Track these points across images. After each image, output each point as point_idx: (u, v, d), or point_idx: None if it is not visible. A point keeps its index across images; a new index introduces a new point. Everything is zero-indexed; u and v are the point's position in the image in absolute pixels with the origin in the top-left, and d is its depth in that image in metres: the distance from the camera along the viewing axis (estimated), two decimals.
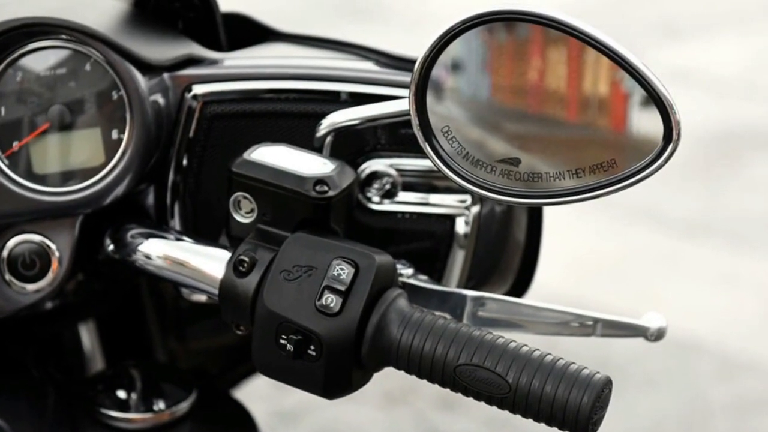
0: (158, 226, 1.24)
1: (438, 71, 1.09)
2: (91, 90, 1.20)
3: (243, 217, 1.17)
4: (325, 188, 1.14)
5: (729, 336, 3.24)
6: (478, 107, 1.10)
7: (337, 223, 1.16)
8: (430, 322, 1.08)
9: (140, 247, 1.21)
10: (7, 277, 1.21)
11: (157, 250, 1.20)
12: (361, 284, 1.08)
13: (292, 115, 1.24)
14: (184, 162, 1.25)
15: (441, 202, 1.26)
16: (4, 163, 1.20)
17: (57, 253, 1.21)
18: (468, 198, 1.26)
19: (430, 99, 1.10)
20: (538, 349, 1.06)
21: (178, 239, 1.21)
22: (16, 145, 1.20)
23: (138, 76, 1.19)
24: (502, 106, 1.09)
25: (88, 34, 1.18)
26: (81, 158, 1.20)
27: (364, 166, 1.25)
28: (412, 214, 1.27)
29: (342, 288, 1.08)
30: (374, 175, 1.26)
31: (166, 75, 1.23)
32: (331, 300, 1.08)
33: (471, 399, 1.08)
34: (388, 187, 1.26)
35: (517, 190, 1.09)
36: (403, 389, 2.96)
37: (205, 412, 1.33)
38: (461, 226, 1.27)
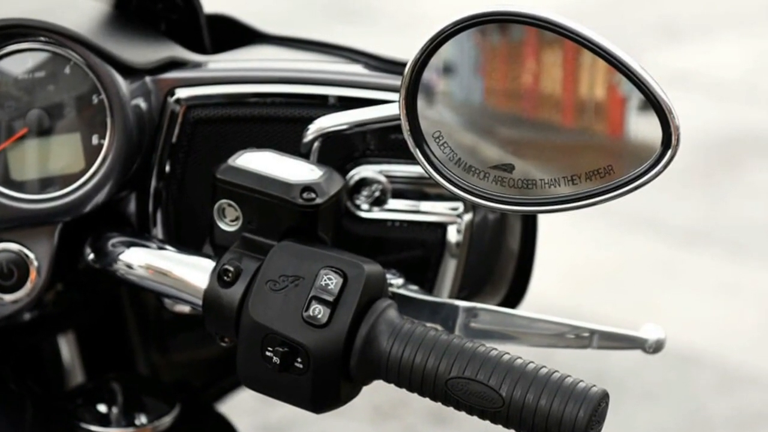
0: (140, 235, 1.23)
1: (429, 74, 1.08)
2: (71, 94, 1.19)
3: (227, 225, 1.16)
4: (313, 195, 1.13)
5: (729, 348, 3.24)
6: (471, 112, 1.09)
7: (324, 232, 1.15)
8: (420, 333, 1.07)
9: (121, 256, 1.20)
10: None
11: (139, 259, 1.19)
12: (349, 294, 1.07)
13: (279, 119, 1.23)
14: (167, 168, 1.24)
15: (432, 210, 1.25)
16: None
17: (35, 263, 1.20)
18: (460, 205, 1.25)
19: (420, 103, 1.09)
20: (532, 362, 1.04)
21: (160, 248, 1.20)
22: None
23: (119, 79, 1.18)
24: (495, 111, 1.08)
25: (67, 36, 1.17)
26: (60, 164, 1.19)
27: (352, 172, 1.24)
28: (402, 222, 1.26)
29: (330, 298, 1.07)
30: (363, 182, 1.25)
31: (148, 78, 1.22)
32: (318, 311, 1.07)
33: (463, 413, 1.06)
34: (377, 194, 1.25)
35: (511, 197, 1.08)
36: (392, 403, 2.95)
37: (188, 427, 1.33)
38: (453, 235, 1.26)
